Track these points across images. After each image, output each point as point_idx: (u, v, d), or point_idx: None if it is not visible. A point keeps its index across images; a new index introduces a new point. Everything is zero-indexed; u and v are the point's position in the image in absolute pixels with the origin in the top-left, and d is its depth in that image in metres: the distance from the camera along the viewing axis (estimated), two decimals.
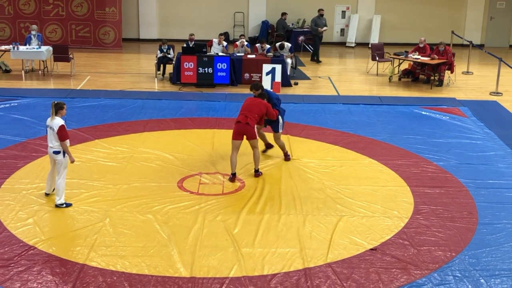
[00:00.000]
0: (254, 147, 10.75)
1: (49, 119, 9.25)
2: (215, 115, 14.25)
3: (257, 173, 10.78)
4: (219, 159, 11.45)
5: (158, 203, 9.48)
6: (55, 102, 9.27)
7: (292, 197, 9.82)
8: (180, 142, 12.23)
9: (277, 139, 11.49)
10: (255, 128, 10.68)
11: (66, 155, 9.18)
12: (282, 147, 11.59)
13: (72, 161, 9.32)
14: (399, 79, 18.88)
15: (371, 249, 8.22)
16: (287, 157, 11.57)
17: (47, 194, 9.63)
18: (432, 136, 13.12)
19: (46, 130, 9.33)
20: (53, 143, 9.14)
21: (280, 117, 11.36)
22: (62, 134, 9.05)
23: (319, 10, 21.62)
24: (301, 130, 13.26)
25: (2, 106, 14.49)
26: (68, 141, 9.22)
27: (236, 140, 10.67)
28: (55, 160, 9.26)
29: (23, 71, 18.06)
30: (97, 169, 10.77)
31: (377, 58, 19.57)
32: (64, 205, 9.26)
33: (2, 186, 9.91)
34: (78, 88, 16.86)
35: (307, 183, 10.45)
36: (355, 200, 9.78)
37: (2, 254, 7.81)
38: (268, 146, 11.89)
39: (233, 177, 10.55)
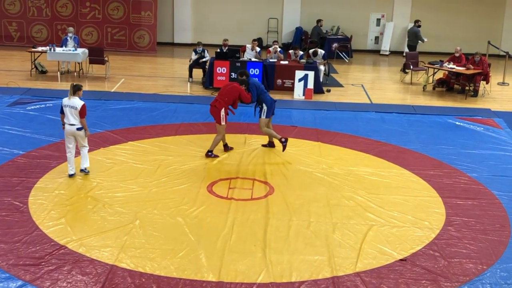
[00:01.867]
0: (218, 132, 11.68)
1: (66, 99, 10.29)
2: (246, 120, 14.26)
3: (208, 154, 11.64)
4: (249, 164, 11.46)
5: (188, 206, 9.51)
6: (74, 83, 10.41)
7: (322, 205, 9.77)
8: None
9: (260, 126, 12.00)
10: (222, 113, 11.50)
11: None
12: (268, 134, 12.04)
13: (88, 136, 10.51)
14: (433, 89, 18.69)
15: (401, 260, 8.13)
16: (270, 144, 12.14)
17: (72, 175, 10.45)
18: (466, 147, 12.96)
19: (62, 110, 10.30)
20: (75, 120, 10.22)
21: (264, 104, 11.87)
22: (84, 111, 10.22)
23: (416, 21, 21.46)
24: (333, 138, 13.21)
25: (37, 106, 14.73)
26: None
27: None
28: (76, 136, 10.33)
29: (58, 72, 18.34)
30: (129, 171, 10.86)
31: (411, 67, 19.41)
32: (88, 172, 10.60)
33: (35, 185, 10.05)
34: (112, 91, 17.05)
35: (337, 190, 10.40)
36: (386, 209, 9.70)
37: (34, 253, 7.92)
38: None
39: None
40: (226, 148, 12.13)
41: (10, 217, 8.87)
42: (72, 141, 10.42)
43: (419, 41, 21.30)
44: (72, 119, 10.21)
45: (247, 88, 11.80)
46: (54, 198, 9.61)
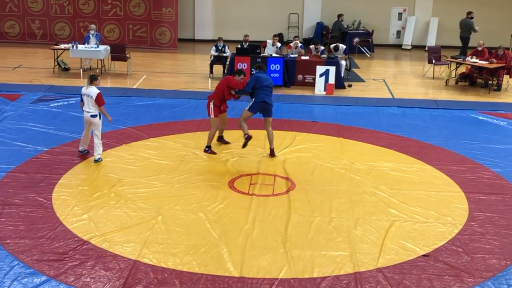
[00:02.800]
0: (211, 126, 11.74)
1: (84, 88, 11.04)
2: None
3: (205, 150, 11.71)
4: (270, 160, 11.47)
5: (209, 202, 9.55)
6: (91, 73, 11.26)
7: (343, 200, 9.75)
8: (232, 142, 12.28)
9: (240, 117, 11.53)
10: (211, 106, 11.57)
11: (101, 118, 10.97)
12: (242, 128, 11.48)
13: (110, 120, 11.13)
14: (456, 83, 18.54)
15: (424, 255, 8.09)
16: (245, 139, 11.36)
17: (80, 152, 11.33)
18: (489, 141, 12.83)
19: (81, 98, 11.01)
20: (90, 108, 10.87)
21: (252, 100, 11.41)
22: (100, 100, 10.86)
23: (468, 13, 21.31)
24: (354, 133, 13.16)
25: (60, 103, 14.87)
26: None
27: None
28: (91, 123, 10.95)
29: (81, 70, 18.48)
30: (151, 167, 10.93)
31: (433, 61, 19.26)
32: (100, 159, 11.05)
33: (59, 181, 10.16)
34: (134, 87, 17.15)
35: (359, 186, 10.36)
36: (408, 205, 9.65)
37: (58, 248, 8.00)
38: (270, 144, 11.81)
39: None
40: (221, 139, 12.23)
41: (34, 213, 8.98)
42: (88, 127, 11.13)
43: (472, 32, 21.10)
44: (87, 107, 10.90)
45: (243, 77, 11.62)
46: (78, 194, 9.70)
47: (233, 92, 11.65)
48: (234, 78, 11.61)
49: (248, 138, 11.37)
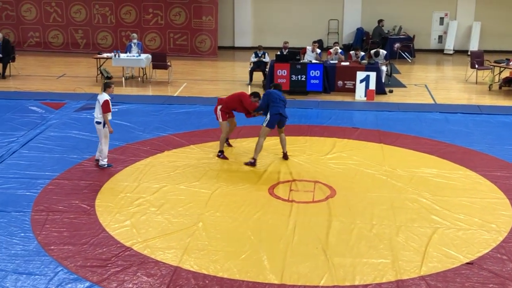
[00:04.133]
0: (221, 130, 11.98)
1: (98, 94, 11.06)
2: (307, 123, 14.25)
3: (218, 155, 11.82)
4: (310, 166, 11.43)
5: (250, 208, 9.56)
6: (105, 81, 11.13)
7: (385, 207, 9.65)
8: (271, 149, 12.28)
9: (259, 134, 11.59)
10: (218, 111, 11.75)
11: (105, 126, 10.88)
12: (256, 146, 11.49)
13: (111, 132, 10.97)
14: (500, 88, 18.20)
15: (468, 263, 7.95)
16: (251, 162, 11.44)
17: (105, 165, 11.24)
18: None
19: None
20: (97, 115, 10.93)
21: (268, 114, 11.45)
22: (105, 107, 10.81)
23: None
24: (396, 139, 13.03)
25: None
26: (110, 114, 10.95)
27: None
28: (97, 129, 10.99)
29: (123, 78, 18.74)
30: (192, 174, 11.00)
31: (476, 66, 18.96)
32: (106, 166, 11.11)
33: (102, 188, 10.30)
34: (175, 95, 17.30)
35: (400, 193, 10.24)
36: (451, 212, 9.49)
37: (101, 254, 8.11)
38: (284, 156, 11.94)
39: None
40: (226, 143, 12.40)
41: (78, 219, 9.12)
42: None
43: None
44: (96, 113, 10.99)
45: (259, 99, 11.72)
46: (120, 201, 9.82)
47: (252, 112, 11.81)
48: (249, 97, 11.74)
49: (252, 163, 11.44)
